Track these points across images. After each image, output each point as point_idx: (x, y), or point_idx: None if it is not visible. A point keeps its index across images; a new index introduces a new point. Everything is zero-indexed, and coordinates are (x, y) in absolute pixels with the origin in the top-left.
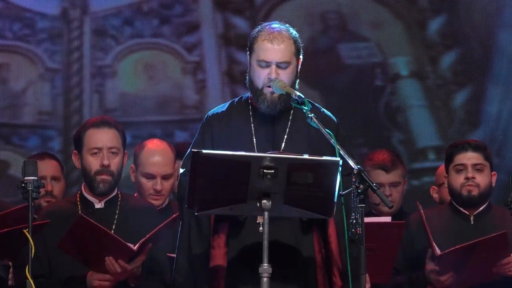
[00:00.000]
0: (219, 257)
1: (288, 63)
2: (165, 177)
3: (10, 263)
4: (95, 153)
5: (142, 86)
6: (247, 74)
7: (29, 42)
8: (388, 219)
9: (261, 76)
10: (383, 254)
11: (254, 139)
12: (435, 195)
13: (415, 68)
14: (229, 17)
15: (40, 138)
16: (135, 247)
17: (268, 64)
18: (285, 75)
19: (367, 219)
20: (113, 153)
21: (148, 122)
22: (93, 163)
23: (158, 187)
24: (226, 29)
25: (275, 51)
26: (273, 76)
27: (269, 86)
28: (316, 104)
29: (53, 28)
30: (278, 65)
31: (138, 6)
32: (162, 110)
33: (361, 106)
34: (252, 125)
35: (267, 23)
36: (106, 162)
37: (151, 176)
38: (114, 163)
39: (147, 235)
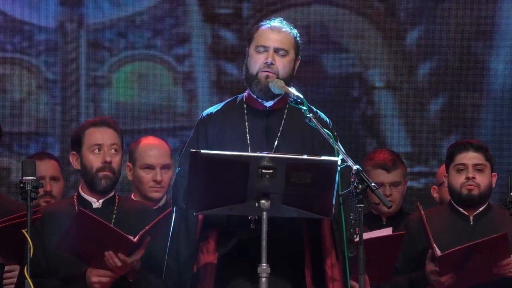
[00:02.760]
0: (208, 261)
1: (286, 52)
2: (164, 167)
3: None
4: (96, 150)
5: (135, 95)
6: (244, 65)
7: (28, 54)
8: (389, 230)
9: (258, 61)
10: (383, 262)
11: (248, 138)
12: (435, 195)
13: (393, 77)
14: (218, 29)
15: (39, 145)
16: (135, 239)
17: (266, 49)
18: (281, 64)
19: (368, 234)
20: (115, 150)
21: (141, 130)
22: (94, 160)
23: (158, 178)
24: (214, 41)
25: (274, 37)
26: (270, 59)
27: (264, 71)
28: (311, 106)
29: (50, 41)
30: (276, 51)
31: (131, 19)
32: (154, 118)
33: (342, 114)
34: (246, 123)
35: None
36: (108, 159)
37: (150, 167)
38: (115, 161)
39: (146, 227)
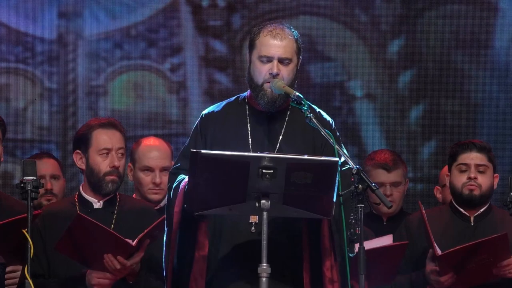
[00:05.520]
0: (200, 260)
1: (290, 60)
2: (163, 170)
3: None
4: (104, 154)
5: (131, 103)
6: (247, 71)
7: (29, 64)
8: (389, 238)
9: (262, 72)
10: (384, 271)
11: (250, 139)
12: (439, 195)
13: (375, 86)
14: (209, 40)
15: (40, 151)
16: (134, 243)
17: (270, 59)
18: (286, 72)
19: (369, 243)
20: (121, 154)
21: (137, 136)
22: (103, 164)
23: (157, 180)
24: (206, 51)
25: (277, 47)
26: (275, 71)
27: (269, 82)
28: (313, 105)
29: (50, 51)
30: (280, 61)
31: (127, 30)
32: (149, 125)
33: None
34: (249, 124)
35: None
36: (117, 164)
37: (150, 169)
38: (122, 164)
39: (145, 230)
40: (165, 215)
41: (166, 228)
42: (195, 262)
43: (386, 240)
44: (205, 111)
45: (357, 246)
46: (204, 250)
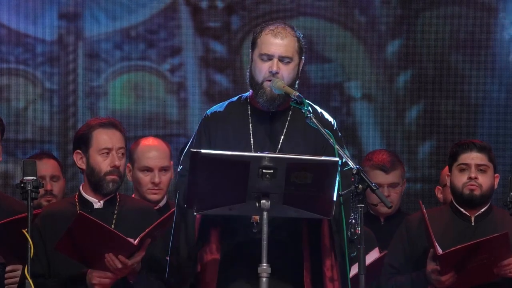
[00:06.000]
0: (211, 262)
1: (290, 59)
2: (162, 169)
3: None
4: (105, 154)
5: (131, 104)
6: (248, 70)
7: (29, 65)
8: (376, 252)
9: (262, 70)
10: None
11: (252, 139)
12: (440, 195)
13: (373, 87)
14: (208, 41)
15: (40, 151)
16: (135, 242)
17: (270, 58)
18: (286, 71)
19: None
20: (122, 154)
21: (136, 137)
22: (103, 163)
23: (156, 180)
24: (205, 52)
25: (278, 45)
26: (275, 69)
27: (270, 80)
28: (315, 105)
29: (50, 52)
30: (280, 60)
31: (126, 31)
32: (148, 125)
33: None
34: (250, 124)
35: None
36: (117, 163)
37: (149, 169)
38: (122, 164)
39: (147, 230)
40: (167, 215)
41: (181, 231)
42: (207, 265)
43: (374, 254)
44: (209, 111)
45: (354, 268)
46: (217, 253)
